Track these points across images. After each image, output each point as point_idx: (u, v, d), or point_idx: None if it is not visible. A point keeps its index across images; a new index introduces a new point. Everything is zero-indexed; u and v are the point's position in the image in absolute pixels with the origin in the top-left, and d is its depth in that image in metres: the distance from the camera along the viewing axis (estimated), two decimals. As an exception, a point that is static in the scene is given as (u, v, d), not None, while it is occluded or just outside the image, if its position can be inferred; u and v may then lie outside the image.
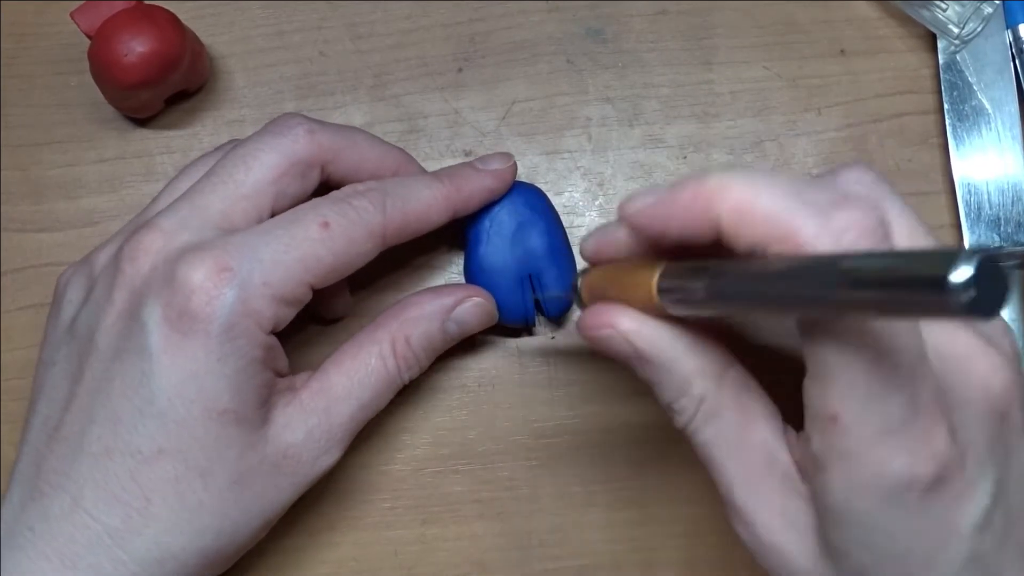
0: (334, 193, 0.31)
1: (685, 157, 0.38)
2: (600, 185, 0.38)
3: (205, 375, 0.28)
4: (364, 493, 0.35)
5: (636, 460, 0.35)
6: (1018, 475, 0.24)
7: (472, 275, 0.34)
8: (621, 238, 0.27)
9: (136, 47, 0.34)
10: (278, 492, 0.30)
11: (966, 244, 0.36)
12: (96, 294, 0.30)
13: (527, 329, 0.36)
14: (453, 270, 0.37)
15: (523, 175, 0.38)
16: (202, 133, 0.38)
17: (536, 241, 0.34)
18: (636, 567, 0.35)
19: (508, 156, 0.35)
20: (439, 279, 0.37)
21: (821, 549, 0.25)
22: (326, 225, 0.29)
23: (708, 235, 0.23)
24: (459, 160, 0.38)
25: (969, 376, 0.23)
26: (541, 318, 0.36)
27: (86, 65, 0.35)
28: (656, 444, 0.35)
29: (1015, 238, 0.36)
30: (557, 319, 0.36)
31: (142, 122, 0.38)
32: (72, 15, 0.35)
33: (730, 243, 0.23)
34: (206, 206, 0.29)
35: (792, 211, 0.22)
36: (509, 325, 0.35)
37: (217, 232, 0.29)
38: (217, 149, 0.33)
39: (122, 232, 0.33)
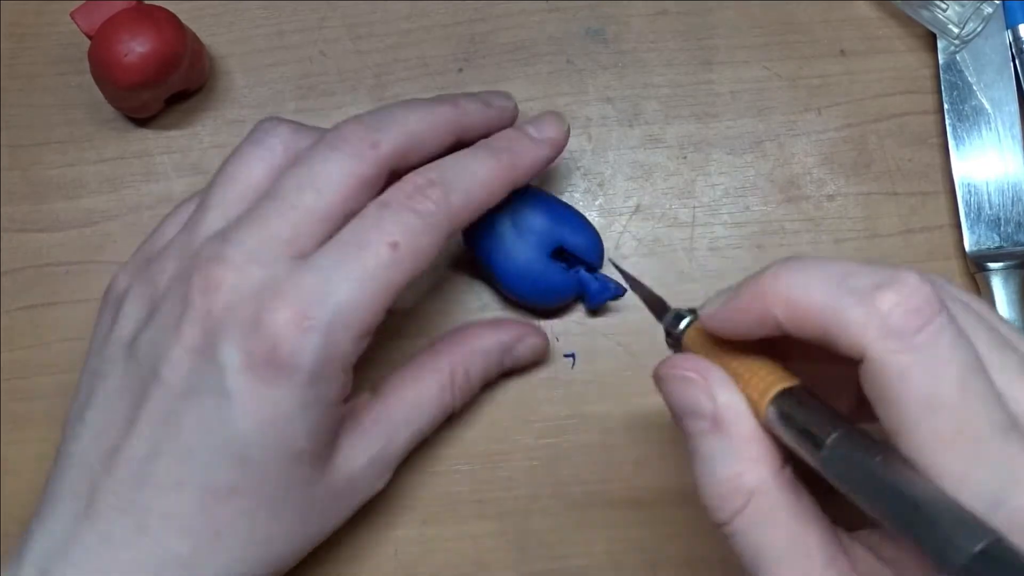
0: (395, 197, 0.29)
1: (685, 157, 0.38)
2: (600, 185, 0.38)
3: (286, 421, 0.27)
4: (364, 493, 0.35)
5: (636, 460, 0.35)
6: None
7: (504, 277, 0.34)
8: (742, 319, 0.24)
9: (136, 47, 0.34)
10: (336, 517, 0.31)
11: (967, 245, 0.36)
12: (162, 320, 0.29)
13: (607, 295, 0.35)
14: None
15: (523, 175, 0.38)
16: (202, 133, 0.38)
17: (539, 217, 0.33)
18: (636, 567, 0.35)
19: (560, 118, 0.33)
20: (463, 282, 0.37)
21: None
22: (395, 246, 0.28)
23: (776, 332, 0.22)
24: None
25: None
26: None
27: (86, 65, 0.35)
28: (656, 444, 0.35)
29: (1015, 238, 0.36)
30: (601, 302, 0.35)
31: (142, 122, 0.38)
32: (72, 15, 0.35)
33: (799, 337, 0.22)
34: (274, 234, 0.28)
35: (836, 301, 0.21)
36: (566, 302, 0.35)
37: (287, 261, 0.28)
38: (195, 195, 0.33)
39: (178, 246, 0.30)
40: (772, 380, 0.23)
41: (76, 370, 0.32)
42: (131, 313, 0.30)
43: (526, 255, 0.33)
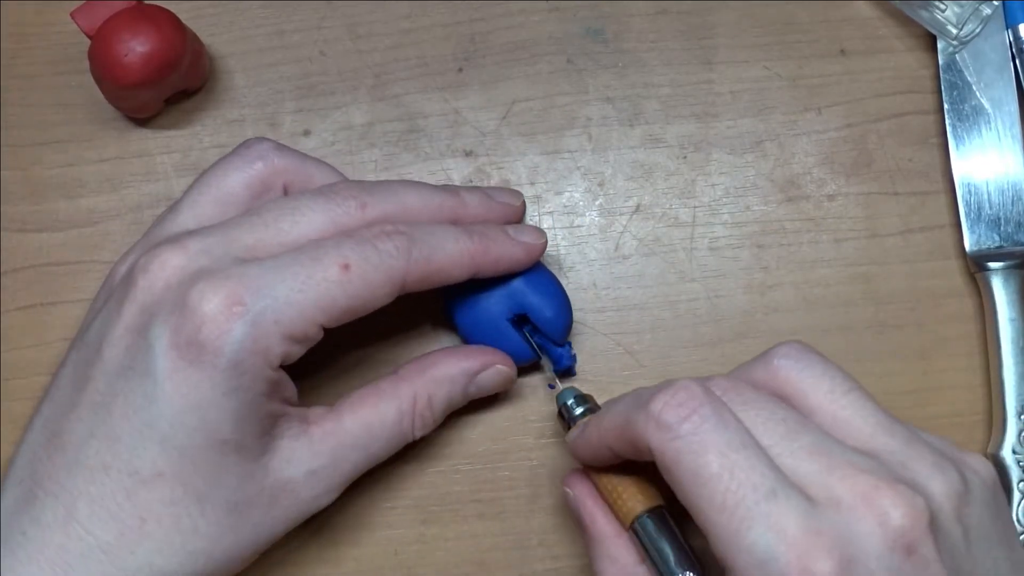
0: (360, 231, 0.30)
1: (685, 157, 0.38)
2: (600, 185, 0.38)
3: (209, 406, 0.27)
4: (364, 492, 0.35)
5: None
6: None
7: (462, 328, 0.34)
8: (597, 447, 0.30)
9: (136, 47, 0.34)
10: (272, 523, 0.30)
11: (967, 245, 0.36)
12: (110, 303, 0.30)
13: (564, 363, 0.35)
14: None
15: (523, 175, 0.38)
16: (202, 133, 0.38)
17: (511, 278, 0.33)
18: (636, 567, 0.35)
19: (541, 232, 0.34)
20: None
21: None
22: (346, 267, 0.29)
23: (621, 457, 0.28)
24: (459, 160, 0.38)
25: (866, 512, 0.24)
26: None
27: (86, 65, 0.35)
28: (656, 444, 0.35)
29: (1015, 238, 0.36)
30: (567, 369, 0.35)
31: (142, 122, 0.38)
32: (72, 15, 0.35)
33: (632, 458, 0.28)
34: (236, 239, 0.29)
35: (628, 414, 0.27)
36: (522, 364, 0.35)
37: (238, 261, 0.29)
38: None
39: (143, 242, 0.32)
40: (635, 503, 0.29)
41: (76, 370, 0.32)
42: (96, 305, 0.32)
43: (487, 313, 0.33)
